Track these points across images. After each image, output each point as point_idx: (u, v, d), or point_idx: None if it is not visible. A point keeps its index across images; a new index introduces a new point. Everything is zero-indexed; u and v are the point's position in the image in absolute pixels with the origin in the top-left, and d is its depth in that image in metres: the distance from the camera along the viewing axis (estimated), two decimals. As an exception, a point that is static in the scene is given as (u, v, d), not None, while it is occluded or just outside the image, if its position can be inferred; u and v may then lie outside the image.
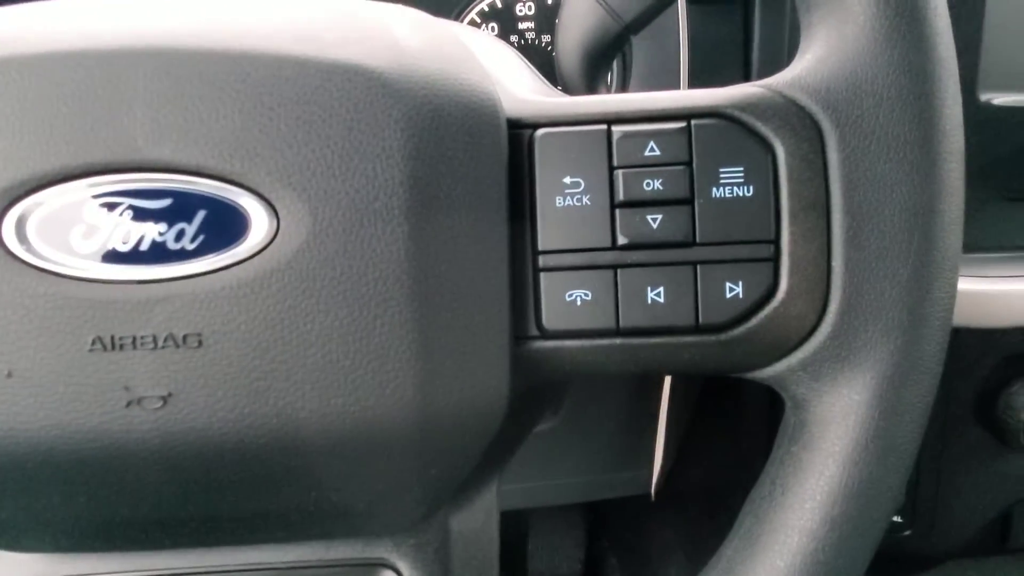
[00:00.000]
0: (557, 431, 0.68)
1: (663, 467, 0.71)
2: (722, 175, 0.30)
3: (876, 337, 0.30)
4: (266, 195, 0.28)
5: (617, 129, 0.31)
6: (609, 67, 0.51)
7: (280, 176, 0.27)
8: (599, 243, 0.31)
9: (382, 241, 0.28)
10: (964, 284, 0.56)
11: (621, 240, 0.30)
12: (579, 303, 0.31)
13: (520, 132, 0.31)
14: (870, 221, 0.29)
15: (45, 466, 0.29)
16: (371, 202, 0.28)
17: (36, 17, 0.29)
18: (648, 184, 0.30)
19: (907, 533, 0.72)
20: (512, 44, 0.66)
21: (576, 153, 0.31)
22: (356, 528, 0.35)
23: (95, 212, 0.27)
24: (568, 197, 0.31)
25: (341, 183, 0.28)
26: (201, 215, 0.28)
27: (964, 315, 0.57)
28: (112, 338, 0.27)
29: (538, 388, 0.34)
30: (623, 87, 0.64)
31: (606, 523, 0.96)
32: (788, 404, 0.33)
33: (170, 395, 0.28)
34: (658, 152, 0.30)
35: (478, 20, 0.67)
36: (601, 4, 0.45)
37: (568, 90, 0.48)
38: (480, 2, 0.67)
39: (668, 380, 0.66)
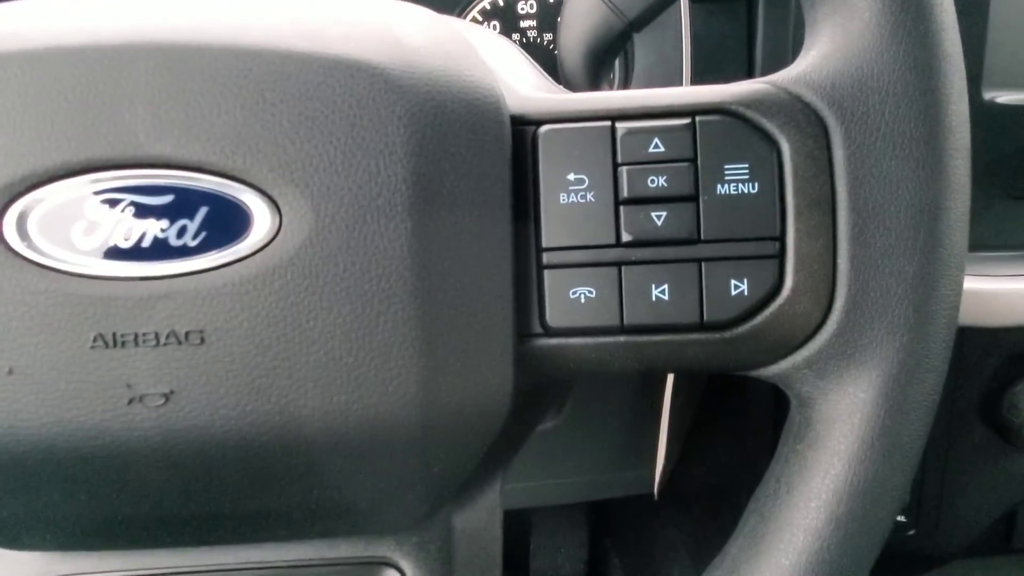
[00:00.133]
0: (559, 430, 0.67)
1: (666, 466, 0.71)
2: (727, 172, 0.30)
3: (882, 334, 0.30)
4: (268, 191, 0.28)
5: (621, 126, 0.31)
6: (612, 64, 0.51)
7: (282, 172, 0.27)
8: (603, 240, 0.30)
9: (385, 238, 0.28)
10: (968, 283, 0.55)
11: (625, 237, 0.30)
12: (583, 300, 0.30)
13: (524, 129, 0.31)
14: (876, 218, 0.29)
15: (46, 464, 0.28)
16: (374, 199, 0.28)
17: (38, 13, 0.29)
18: (652, 181, 0.30)
19: (911, 532, 0.71)
20: (513, 42, 0.66)
21: (580, 150, 0.30)
22: (359, 526, 0.35)
23: (97, 208, 0.27)
24: (572, 194, 0.30)
25: (344, 179, 0.28)
26: (203, 211, 0.27)
27: (968, 314, 0.56)
28: (114, 335, 0.27)
29: (542, 386, 0.33)
30: (625, 84, 0.64)
31: (609, 522, 0.96)
32: (793, 402, 0.33)
33: (172, 392, 0.28)
34: (662, 149, 0.30)
35: (479, 18, 0.67)
36: (604, 1, 0.45)
37: (571, 88, 0.48)
38: (481, 0, 0.67)
39: (671, 378, 0.66)
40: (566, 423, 0.67)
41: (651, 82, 0.62)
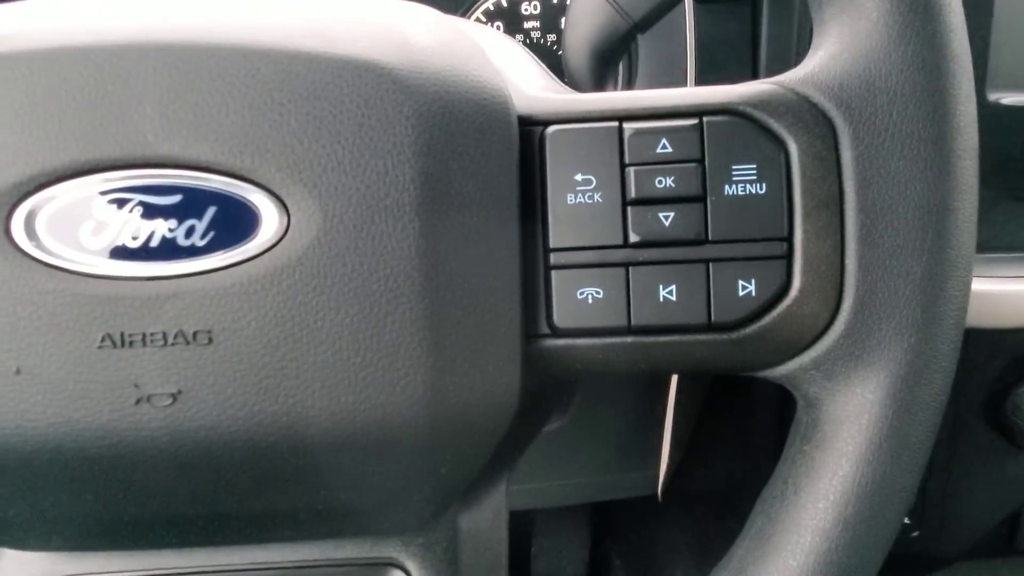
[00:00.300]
0: (563, 431, 0.67)
1: (669, 467, 0.71)
2: (735, 172, 0.30)
3: (890, 335, 0.29)
4: (276, 191, 0.27)
5: (629, 126, 0.31)
6: (617, 65, 0.51)
7: (291, 172, 0.27)
8: (611, 241, 0.30)
9: (393, 238, 0.28)
10: (973, 284, 0.55)
11: (633, 238, 0.30)
12: (590, 301, 0.30)
13: (531, 129, 0.31)
14: (884, 219, 0.29)
15: (53, 464, 0.28)
16: (382, 198, 0.28)
17: (46, 12, 0.29)
18: (660, 181, 0.30)
19: (915, 534, 0.71)
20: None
21: (587, 150, 0.30)
22: (365, 527, 0.35)
23: (105, 208, 0.27)
24: (579, 194, 0.30)
25: (352, 179, 0.28)
26: (211, 211, 0.27)
27: (973, 316, 0.56)
28: (122, 335, 0.27)
29: (548, 387, 0.33)
30: (629, 85, 0.64)
31: (611, 524, 0.96)
32: (800, 403, 0.32)
33: (180, 392, 0.28)
34: (670, 149, 0.30)
35: (483, 19, 0.67)
36: (610, 2, 0.45)
37: (576, 88, 0.48)
38: (485, 1, 0.67)
39: (675, 379, 0.66)
40: (570, 424, 0.67)
41: (655, 83, 0.62)
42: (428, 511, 0.34)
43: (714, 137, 0.30)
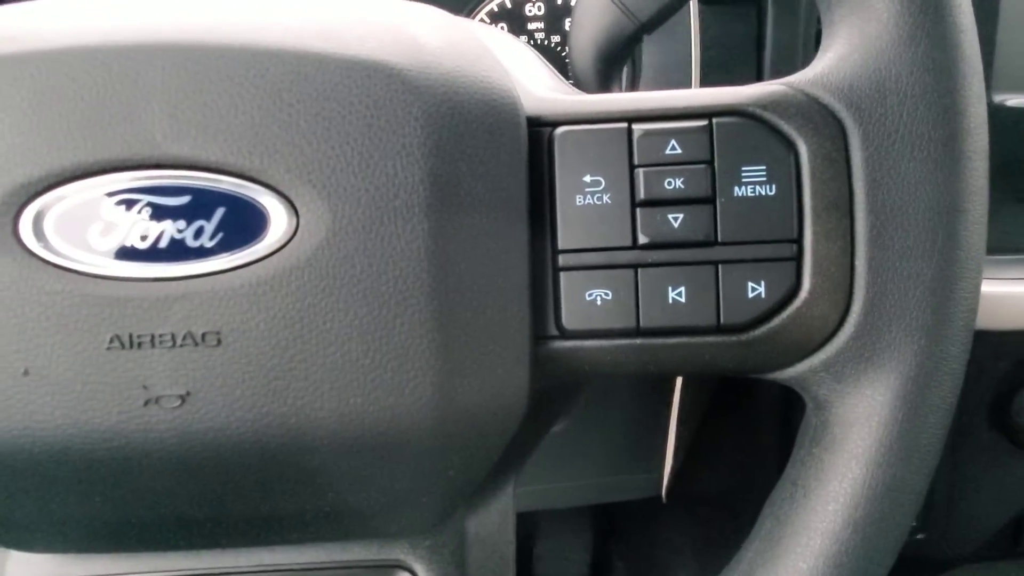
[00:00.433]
0: (567, 433, 0.67)
1: (673, 468, 0.71)
2: (744, 174, 0.30)
3: (900, 337, 0.29)
4: (285, 192, 0.27)
5: (638, 127, 0.30)
6: (623, 66, 0.50)
7: (300, 173, 0.27)
8: (619, 242, 0.30)
9: (402, 239, 0.28)
10: (978, 286, 0.55)
11: (642, 239, 0.30)
12: (599, 303, 0.30)
13: (540, 130, 0.31)
14: (894, 220, 0.29)
15: (60, 466, 0.28)
16: (391, 199, 0.28)
17: (54, 12, 0.29)
18: (669, 183, 0.30)
19: (920, 536, 0.71)
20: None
21: (596, 151, 0.30)
22: (372, 529, 0.35)
23: (113, 209, 0.27)
24: (588, 196, 0.30)
25: (361, 180, 0.27)
26: (220, 212, 0.27)
27: (978, 318, 0.56)
28: (130, 336, 0.27)
29: (556, 388, 0.33)
30: (632, 86, 0.64)
31: (614, 526, 0.95)
32: (810, 405, 0.32)
33: (188, 394, 0.28)
34: (679, 151, 0.30)
35: (487, 20, 0.67)
36: (616, 3, 0.45)
37: (582, 89, 0.48)
38: (489, 2, 0.67)
39: (679, 380, 0.66)
40: (575, 426, 0.67)
41: (659, 84, 0.62)
42: (436, 513, 0.34)
43: (724, 138, 0.30)
